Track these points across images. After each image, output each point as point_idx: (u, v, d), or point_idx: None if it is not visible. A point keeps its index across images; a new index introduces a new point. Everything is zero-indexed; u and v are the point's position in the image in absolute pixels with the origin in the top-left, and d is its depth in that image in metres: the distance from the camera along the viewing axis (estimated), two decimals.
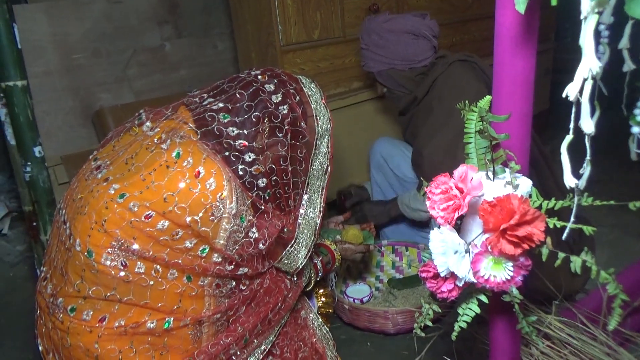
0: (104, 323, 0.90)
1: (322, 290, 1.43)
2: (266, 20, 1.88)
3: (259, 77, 1.05)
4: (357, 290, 1.63)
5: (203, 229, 0.91)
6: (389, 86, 1.70)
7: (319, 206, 1.16)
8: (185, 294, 0.95)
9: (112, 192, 0.91)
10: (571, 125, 0.58)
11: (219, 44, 2.48)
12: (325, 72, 2.02)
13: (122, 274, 0.89)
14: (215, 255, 0.95)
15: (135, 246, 0.89)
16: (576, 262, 0.66)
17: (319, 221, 1.16)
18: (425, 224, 1.80)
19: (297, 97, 1.06)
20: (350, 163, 2.16)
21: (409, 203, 1.74)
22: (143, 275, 0.91)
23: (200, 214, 0.90)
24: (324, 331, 1.27)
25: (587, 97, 0.57)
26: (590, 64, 0.55)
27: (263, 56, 1.97)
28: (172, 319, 0.93)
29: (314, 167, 1.13)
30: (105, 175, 0.96)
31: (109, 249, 0.89)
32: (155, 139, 0.98)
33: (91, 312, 0.90)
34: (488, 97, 0.75)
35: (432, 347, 1.13)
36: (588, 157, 0.61)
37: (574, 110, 0.58)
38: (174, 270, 0.93)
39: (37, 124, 1.41)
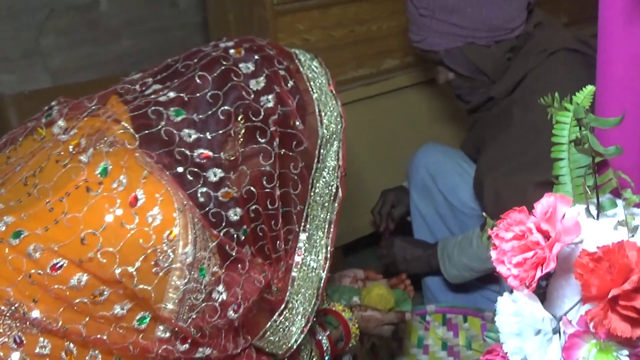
0: None
1: None
2: None
3: (232, 51, 1.06)
4: None
5: (142, 286, 0.90)
6: (462, 72, 1.68)
7: (324, 251, 1.16)
8: None
9: (3, 228, 0.91)
10: None
11: (181, 1, 2.53)
12: (342, 45, 2.04)
13: (16, 356, 0.88)
14: (161, 327, 0.95)
15: (36, 313, 0.88)
16: None
17: (324, 274, 1.15)
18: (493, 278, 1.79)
19: (290, 83, 1.07)
20: (376, 183, 2.17)
21: (452, 253, 1.73)
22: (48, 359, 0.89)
23: (138, 264, 0.90)
24: None
25: None
26: None
27: (246, 20, 2.00)
28: None
29: (317, 191, 1.14)
30: None
31: None
32: (71, 147, 0.98)
33: None
34: (590, 88, 0.73)
35: None
36: None
37: None
38: (97, 352, 0.93)
39: None
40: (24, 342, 0.88)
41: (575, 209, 0.71)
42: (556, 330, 0.69)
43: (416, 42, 1.69)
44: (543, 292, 0.75)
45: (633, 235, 0.69)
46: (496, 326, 0.72)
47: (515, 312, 0.69)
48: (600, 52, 0.72)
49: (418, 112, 2.21)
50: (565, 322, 0.69)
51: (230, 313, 0.98)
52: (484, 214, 0.81)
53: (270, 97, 1.03)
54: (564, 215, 0.68)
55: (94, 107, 1.04)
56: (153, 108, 0.98)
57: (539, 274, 0.66)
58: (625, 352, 0.66)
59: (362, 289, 1.59)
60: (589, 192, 0.70)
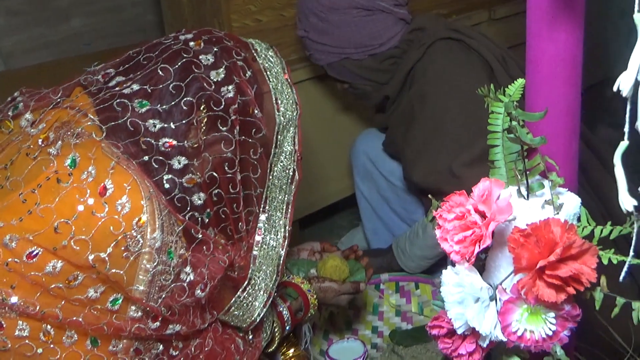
0: None
1: (292, 351, 1.48)
2: None
3: (192, 43, 1.08)
4: (345, 350, 1.68)
5: (114, 271, 0.94)
6: (347, 80, 1.79)
7: (282, 230, 1.21)
8: None
9: None
10: (626, 129, 0.64)
11: None
12: (293, 25, 2.03)
13: None
14: (133, 308, 0.99)
15: (14, 299, 0.92)
16: (639, 311, 0.72)
17: (283, 252, 1.21)
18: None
19: (249, 73, 1.10)
20: (326, 165, 2.21)
21: (404, 248, 1.82)
22: (27, 341, 0.93)
23: (109, 250, 0.94)
24: None
25: None
26: None
27: (199, 1, 2.00)
28: None
29: (275, 174, 1.18)
30: None
31: None
32: (40, 140, 1.01)
33: None
34: (520, 82, 0.80)
35: None
36: None
37: (628, 108, 0.64)
38: (73, 332, 0.96)
39: None
40: (4, 325, 0.92)
41: (508, 190, 0.77)
42: (493, 298, 0.75)
43: (308, 57, 1.83)
44: (482, 263, 0.81)
45: (558, 213, 0.75)
46: (442, 295, 0.79)
47: (457, 283, 0.75)
48: (528, 50, 0.77)
49: None
50: (500, 290, 0.75)
51: (198, 292, 1.02)
52: (430, 197, 0.88)
53: (230, 87, 1.06)
54: (498, 197, 0.75)
55: (58, 99, 1.07)
56: (118, 100, 1.01)
57: (477, 249, 0.72)
58: (552, 314, 0.73)
59: (318, 261, 1.64)
60: (520, 176, 0.78)
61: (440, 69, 1.65)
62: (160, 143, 1.01)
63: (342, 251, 1.79)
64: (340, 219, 2.50)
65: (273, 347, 1.34)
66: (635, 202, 0.66)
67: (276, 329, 1.32)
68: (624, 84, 0.62)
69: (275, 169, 1.18)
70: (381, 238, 2.11)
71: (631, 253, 0.70)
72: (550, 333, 0.73)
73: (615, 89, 0.63)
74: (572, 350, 0.82)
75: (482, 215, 0.74)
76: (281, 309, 1.35)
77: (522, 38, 0.81)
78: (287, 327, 1.36)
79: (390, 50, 1.71)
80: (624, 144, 0.65)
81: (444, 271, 0.78)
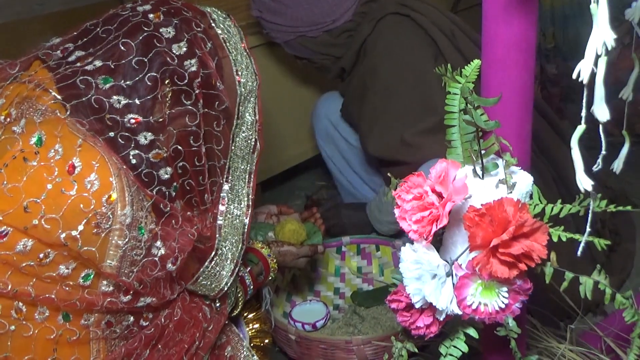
0: None
1: (253, 313, 1.53)
2: None
3: (151, 15, 1.08)
4: (307, 311, 1.75)
5: (85, 248, 0.97)
6: (305, 57, 1.83)
7: (246, 199, 1.24)
8: (62, 339, 1.01)
9: None
10: (583, 113, 0.69)
11: None
12: None
13: None
14: (105, 282, 1.02)
15: None
16: (586, 284, 0.79)
17: (247, 220, 1.24)
18: None
19: (209, 44, 1.11)
20: (286, 128, 2.24)
21: (377, 214, 1.88)
22: (0, 319, 0.96)
23: (80, 227, 0.96)
24: None
25: (601, 78, 0.67)
26: (604, 36, 0.65)
27: None
28: None
29: (237, 145, 1.21)
30: None
31: None
32: (2, 117, 1.01)
33: None
34: (476, 62, 0.84)
35: None
36: (603, 152, 0.72)
37: (585, 94, 0.68)
38: (44, 309, 0.99)
39: None
40: None
41: (464, 170, 0.82)
42: (449, 274, 0.80)
43: (265, 34, 1.86)
44: (440, 238, 0.87)
45: (511, 192, 0.81)
46: (399, 272, 0.83)
47: (415, 260, 0.79)
48: (484, 33, 0.80)
49: None
50: (456, 266, 0.80)
51: (169, 265, 1.05)
52: (389, 176, 0.92)
53: (192, 61, 1.07)
54: (454, 178, 0.80)
55: (16, 73, 1.06)
56: (81, 77, 1.01)
57: (434, 229, 0.77)
58: (505, 288, 0.78)
59: (275, 224, 1.68)
60: (475, 156, 0.82)
61: (389, 44, 1.69)
62: (125, 119, 1.02)
63: (300, 213, 1.84)
64: (301, 181, 2.53)
65: (236, 312, 1.38)
66: (592, 182, 0.71)
67: (240, 295, 1.36)
68: (583, 71, 0.67)
69: (237, 139, 1.20)
70: (350, 196, 2.17)
71: (587, 230, 0.76)
72: (503, 306, 0.79)
73: (574, 76, 0.68)
74: (524, 321, 0.89)
75: (439, 195, 0.79)
76: (243, 273, 1.38)
77: None
78: (250, 292, 1.40)
79: (344, 24, 1.74)
80: (580, 128, 0.70)
81: (402, 248, 0.82)
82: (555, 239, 0.79)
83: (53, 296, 0.98)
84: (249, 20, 1.98)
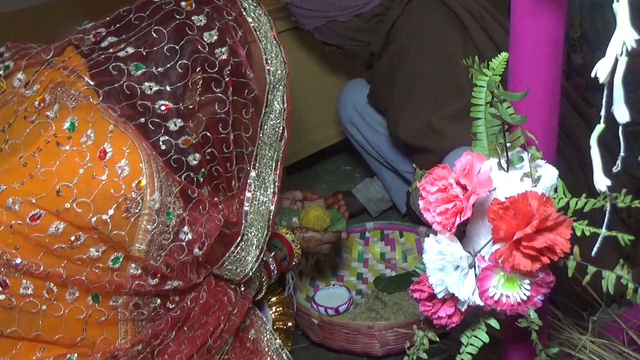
0: None
1: (276, 297, 1.56)
2: None
3: (183, 3, 1.09)
4: (331, 296, 1.76)
5: (115, 232, 0.99)
6: (335, 43, 1.83)
7: (272, 186, 1.26)
8: (92, 320, 1.04)
9: None
10: (602, 112, 0.70)
11: None
12: None
13: (2, 297, 0.97)
14: (133, 266, 1.04)
15: (18, 260, 0.96)
16: (609, 279, 0.79)
17: (273, 207, 1.26)
18: None
19: (240, 33, 1.12)
20: (312, 113, 2.24)
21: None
22: (31, 299, 0.98)
23: (111, 212, 0.98)
24: (284, 357, 1.40)
25: (620, 79, 0.68)
26: (624, 37, 0.65)
27: None
28: (76, 355, 1.03)
29: (265, 132, 1.22)
30: None
31: None
32: (37, 102, 1.03)
33: None
34: (504, 55, 0.85)
35: None
36: (622, 154, 0.73)
37: (605, 93, 0.69)
38: (75, 289, 1.02)
39: None
40: (8, 284, 0.97)
41: (489, 162, 0.82)
42: (472, 265, 0.81)
43: (294, 22, 1.85)
44: (463, 229, 0.88)
45: (536, 185, 0.81)
46: (423, 261, 0.84)
47: (438, 252, 0.80)
48: (512, 27, 0.81)
49: None
50: (479, 258, 0.81)
51: (196, 250, 1.08)
52: (415, 167, 0.93)
53: (223, 49, 1.08)
54: (479, 171, 0.80)
55: (51, 59, 1.08)
56: (114, 64, 1.03)
57: (457, 221, 0.77)
58: (527, 281, 0.79)
59: (300, 210, 1.70)
60: (500, 149, 0.83)
61: (418, 26, 1.68)
62: (156, 106, 1.03)
63: (325, 199, 1.85)
64: (327, 164, 2.54)
65: (260, 296, 1.40)
66: (608, 182, 0.72)
67: (264, 279, 1.38)
68: (601, 71, 0.67)
69: (265, 127, 1.22)
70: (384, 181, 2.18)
71: (604, 227, 0.76)
72: (525, 298, 0.80)
73: (592, 75, 0.69)
74: (546, 313, 0.90)
75: (464, 188, 0.80)
76: (267, 258, 1.40)
77: None
78: (274, 276, 1.43)
79: (374, 8, 1.73)
80: (600, 127, 0.71)
81: (426, 239, 0.83)
82: (579, 234, 0.79)
83: (83, 278, 1.00)
84: (276, 5, 1.99)
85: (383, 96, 1.80)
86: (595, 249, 0.76)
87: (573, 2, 2.33)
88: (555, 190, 0.84)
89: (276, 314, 1.53)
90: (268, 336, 1.39)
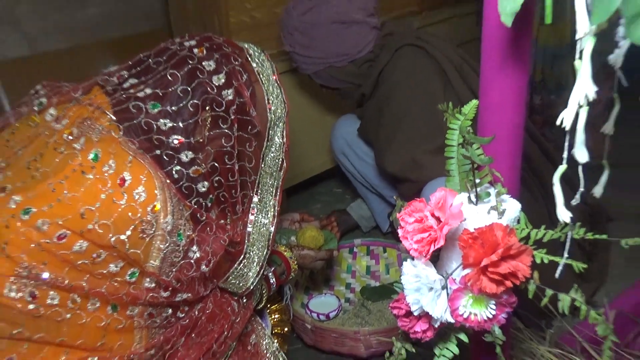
0: None
1: (275, 305, 1.54)
2: None
3: (195, 50, 1.09)
4: (323, 303, 1.75)
5: (132, 250, 0.98)
6: (332, 86, 1.83)
7: (272, 210, 1.24)
8: (111, 327, 1.02)
9: (13, 206, 0.95)
10: (564, 155, 0.69)
11: None
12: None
13: (31, 307, 0.95)
14: (148, 280, 1.03)
15: (46, 274, 0.95)
16: (564, 301, 0.78)
17: (272, 229, 1.24)
18: None
19: (245, 76, 1.12)
20: (308, 144, 2.24)
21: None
22: (57, 308, 0.97)
23: (128, 232, 0.97)
24: (280, 358, 1.38)
25: (582, 126, 0.67)
26: (586, 89, 0.64)
27: None
28: (96, 358, 1.01)
29: (266, 163, 1.21)
30: (2, 184, 1.00)
31: (12, 278, 0.94)
32: (65, 135, 1.02)
33: None
34: (473, 103, 0.84)
35: None
36: (582, 189, 0.72)
37: (567, 137, 0.68)
38: (96, 300, 1.00)
39: None
40: (37, 295, 0.95)
41: (460, 197, 0.82)
42: (444, 287, 0.80)
43: (295, 68, 1.85)
44: (437, 255, 0.87)
45: (501, 217, 0.80)
46: (402, 281, 0.83)
47: (415, 275, 0.80)
48: (482, 81, 0.80)
49: None
50: (451, 280, 0.80)
51: (203, 267, 1.06)
52: (396, 198, 0.92)
53: (230, 91, 1.08)
54: (451, 205, 0.79)
55: (79, 97, 1.07)
56: (134, 103, 1.03)
57: (432, 248, 0.77)
58: (493, 301, 0.78)
59: (297, 230, 1.69)
60: (470, 185, 0.82)
61: (404, 72, 1.68)
62: (170, 140, 1.03)
63: (320, 220, 1.84)
64: (321, 187, 2.54)
65: (261, 305, 1.38)
66: (570, 214, 0.71)
67: (264, 291, 1.37)
68: (566, 119, 0.66)
69: (267, 158, 1.21)
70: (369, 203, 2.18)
71: (565, 253, 0.76)
72: (491, 316, 0.79)
73: (557, 123, 0.68)
74: (509, 328, 0.88)
75: (438, 219, 0.78)
76: (267, 272, 1.39)
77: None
78: (273, 289, 1.41)
79: (366, 55, 1.73)
80: (562, 168, 0.70)
81: (404, 263, 0.83)
82: (538, 261, 0.78)
83: (103, 290, 0.99)
84: (278, 49, 1.99)
85: (372, 131, 1.80)
86: (557, 273, 0.75)
87: (539, 50, 2.35)
88: (518, 222, 0.83)
89: (274, 320, 1.51)
90: (267, 340, 1.37)
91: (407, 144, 1.63)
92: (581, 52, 0.64)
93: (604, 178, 0.80)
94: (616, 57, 0.88)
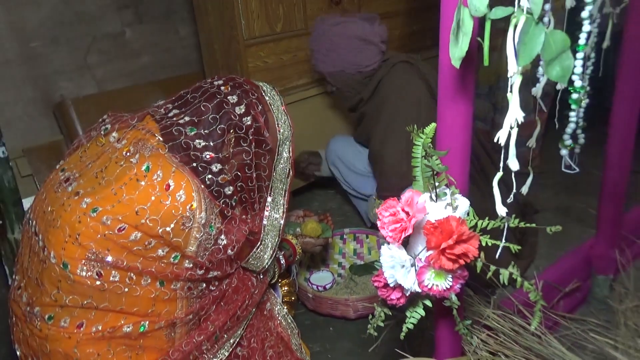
0: (81, 329, 0.95)
1: (285, 280, 1.52)
2: (229, 13, 1.89)
3: (222, 88, 1.09)
4: (321, 277, 1.73)
5: (175, 239, 0.97)
6: (338, 86, 1.81)
7: (282, 207, 1.23)
8: (159, 298, 1.01)
9: (84, 206, 0.95)
10: (501, 164, 0.68)
11: (181, 29, 2.47)
12: (289, 65, 2.07)
13: (98, 283, 0.95)
14: (187, 261, 1.02)
15: (110, 257, 0.95)
16: (504, 275, 0.77)
17: (282, 222, 1.23)
18: None
19: (260, 107, 1.11)
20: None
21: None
22: (118, 283, 0.96)
23: (172, 225, 0.96)
24: (289, 320, 1.36)
25: (513, 142, 0.66)
26: (516, 115, 0.64)
27: (226, 49, 1.99)
28: (147, 322, 1.00)
29: (277, 172, 1.20)
30: (76, 189, 0.99)
31: (83, 261, 0.94)
32: (124, 152, 1.02)
33: (69, 319, 0.96)
34: (432, 126, 0.82)
35: (388, 332, 1.24)
36: (514, 190, 0.71)
37: (503, 151, 0.67)
38: (147, 277, 0.99)
39: None
40: (102, 274, 0.95)
41: (424, 196, 0.81)
42: (413, 265, 0.79)
43: (313, 66, 1.83)
44: (407, 240, 0.85)
45: (455, 211, 0.79)
46: (381, 259, 0.82)
47: (390, 256, 0.78)
48: (439, 107, 0.80)
49: (337, 107, 2.27)
50: (418, 260, 0.79)
51: (229, 251, 1.06)
52: (374, 198, 0.91)
53: (248, 118, 1.07)
54: (417, 202, 0.78)
55: (135, 123, 1.08)
56: (176, 127, 1.03)
57: (403, 235, 0.75)
58: (450, 275, 0.77)
59: (301, 223, 1.67)
60: (431, 187, 0.80)
61: (397, 83, 1.67)
62: (204, 155, 1.02)
63: (318, 215, 1.83)
64: (318, 189, 2.52)
65: (274, 281, 1.37)
66: (506, 210, 0.70)
67: (276, 270, 1.35)
68: (502, 138, 0.65)
69: (277, 169, 1.20)
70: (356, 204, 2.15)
71: (503, 239, 0.75)
72: (449, 287, 0.77)
73: (495, 140, 0.67)
74: (462, 296, 0.87)
75: (407, 213, 0.77)
76: (279, 255, 1.38)
77: None
78: (283, 268, 1.40)
79: (370, 71, 1.73)
80: (499, 175, 0.69)
81: (382, 247, 0.81)
82: (484, 244, 0.77)
83: (153, 269, 0.98)
84: (285, 86, 1.99)
85: (369, 127, 1.77)
86: (498, 253, 0.75)
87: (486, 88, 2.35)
88: (468, 215, 0.82)
89: (284, 291, 1.50)
90: (279, 307, 1.36)
91: (400, 139, 1.62)
92: (511, 86, 0.64)
93: (529, 181, 0.80)
94: (537, 89, 0.88)
